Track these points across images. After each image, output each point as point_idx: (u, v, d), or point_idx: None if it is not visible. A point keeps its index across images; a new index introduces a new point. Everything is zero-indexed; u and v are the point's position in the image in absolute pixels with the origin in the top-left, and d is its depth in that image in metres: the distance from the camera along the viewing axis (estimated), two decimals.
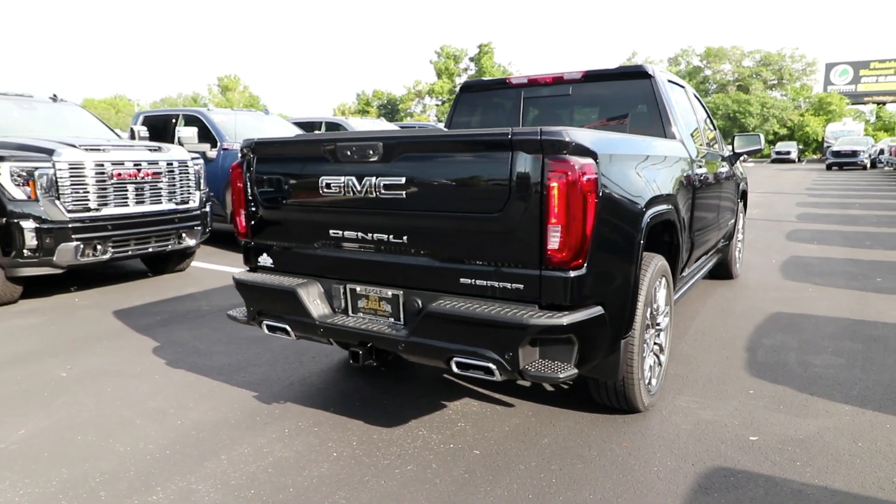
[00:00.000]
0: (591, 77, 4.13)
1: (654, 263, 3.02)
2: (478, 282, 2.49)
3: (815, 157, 47.58)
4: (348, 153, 2.67)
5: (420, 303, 2.65)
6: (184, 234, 6.32)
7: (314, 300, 2.91)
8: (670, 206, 3.21)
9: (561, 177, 2.23)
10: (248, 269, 3.33)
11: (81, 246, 5.41)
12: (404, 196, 2.55)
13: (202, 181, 6.57)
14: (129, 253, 5.88)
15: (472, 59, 62.04)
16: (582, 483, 2.55)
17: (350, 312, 2.91)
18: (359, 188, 2.66)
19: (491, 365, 2.39)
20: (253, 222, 3.18)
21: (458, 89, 4.77)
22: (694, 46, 54.97)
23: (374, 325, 2.77)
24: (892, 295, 5.56)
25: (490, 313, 2.36)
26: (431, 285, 2.62)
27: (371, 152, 2.60)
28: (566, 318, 2.30)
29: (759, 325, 4.72)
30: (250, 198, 3.14)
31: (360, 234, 2.76)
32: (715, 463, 2.69)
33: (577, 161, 2.25)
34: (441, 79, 62.73)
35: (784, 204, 13.89)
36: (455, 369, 2.51)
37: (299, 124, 10.76)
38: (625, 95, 4.04)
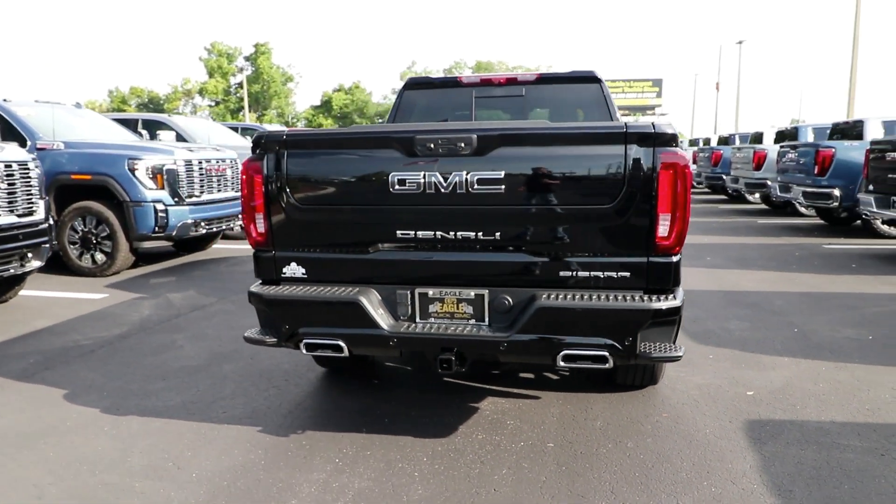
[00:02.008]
0: (545, 80, 4.35)
1: None
2: (580, 273, 2.52)
3: None
4: (431, 147, 2.48)
5: (510, 301, 2.58)
6: (29, 255, 5.04)
7: (378, 309, 2.63)
8: None
9: (671, 168, 2.39)
10: (261, 281, 2.85)
11: None
12: (502, 191, 2.46)
13: (44, 187, 5.31)
14: None
15: (247, 59, 58.98)
16: (668, 455, 2.73)
17: (418, 318, 2.69)
18: (444, 184, 2.48)
19: (605, 353, 2.44)
20: (278, 228, 2.73)
21: (402, 85, 4.63)
22: (466, 59, 59.66)
23: (456, 329, 2.61)
24: (729, 269, 6.83)
25: (611, 302, 2.41)
26: (526, 281, 2.57)
27: (462, 145, 2.45)
28: (677, 300, 2.47)
29: None
30: (275, 199, 2.70)
31: (438, 233, 2.57)
32: (744, 417, 3.09)
33: (682, 153, 2.42)
34: (214, 77, 58.50)
35: None
36: (561, 363, 2.51)
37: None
38: (576, 97, 4.35)
